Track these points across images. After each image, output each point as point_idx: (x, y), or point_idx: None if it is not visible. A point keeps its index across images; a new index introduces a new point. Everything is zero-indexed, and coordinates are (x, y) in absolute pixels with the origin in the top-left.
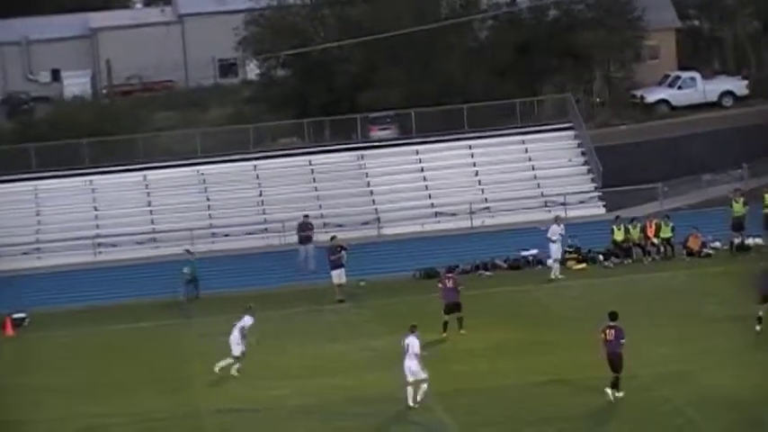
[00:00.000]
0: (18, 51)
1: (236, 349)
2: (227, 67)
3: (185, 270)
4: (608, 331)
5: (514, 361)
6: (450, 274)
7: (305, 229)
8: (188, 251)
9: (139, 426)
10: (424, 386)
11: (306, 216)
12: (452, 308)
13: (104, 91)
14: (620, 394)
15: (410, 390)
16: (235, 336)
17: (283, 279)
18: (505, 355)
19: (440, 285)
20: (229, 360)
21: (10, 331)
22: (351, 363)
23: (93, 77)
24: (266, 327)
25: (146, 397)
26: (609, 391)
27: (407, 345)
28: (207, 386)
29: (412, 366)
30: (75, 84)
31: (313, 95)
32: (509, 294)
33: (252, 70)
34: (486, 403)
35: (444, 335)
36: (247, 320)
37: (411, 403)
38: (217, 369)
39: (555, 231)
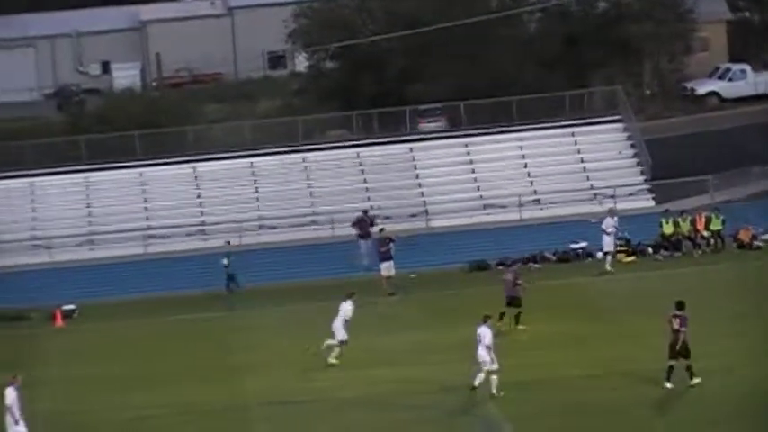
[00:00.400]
0: (69, 44)
1: (340, 334)
2: (277, 60)
3: (224, 261)
4: (674, 320)
5: (564, 353)
6: (510, 268)
7: (363, 226)
8: (228, 243)
9: (186, 417)
10: (494, 377)
11: (365, 212)
12: (510, 302)
13: (154, 83)
14: (697, 380)
15: (493, 378)
16: (338, 322)
17: (332, 272)
18: (555, 348)
19: (502, 279)
20: (331, 342)
21: (60, 323)
22: (400, 355)
23: (142, 70)
24: (314, 319)
25: (192, 388)
26: (667, 383)
27: (479, 335)
28: (254, 378)
29: (483, 356)
30: (125, 76)
31: (362, 88)
32: (558, 287)
33: (301, 63)
34: (535, 395)
35: (499, 324)
36: (348, 306)
37: (494, 391)
38: (324, 346)
39: (609, 224)
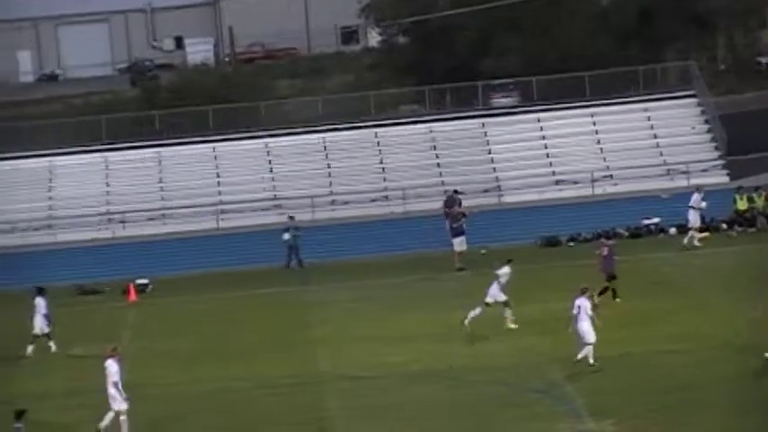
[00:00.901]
0: (143, 19)
1: (500, 297)
2: (349, 35)
3: (286, 236)
4: None
5: (637, 329)
6: (607, 242)
7: (451, 204)
8: (291, 218)
9: (261, 390)
10: (589, 348)
11: (455, 191)
12: (609, 277)
13: (227, 58)
14: None
15: (590, 349)
16: (494, 288)
17: (403, 247)
18: (628, 324)
19: (597, 253)
20: (477, 312)
21: (133, 297)
22: (471, 330)
23: (215, 45)
24: (388, 294)
25: (266, 362)
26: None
27: (578, 306)
28: (327, 352)
29: (584, 327)
30: (198, 51)
31: (434, 63)
32: (631, 263)
33: (373, 38)
34: (608, 371)
35: (618, 300)
36: (506, 270)
37: (591, 361)
38: (467, 321)
39: (696, 200)
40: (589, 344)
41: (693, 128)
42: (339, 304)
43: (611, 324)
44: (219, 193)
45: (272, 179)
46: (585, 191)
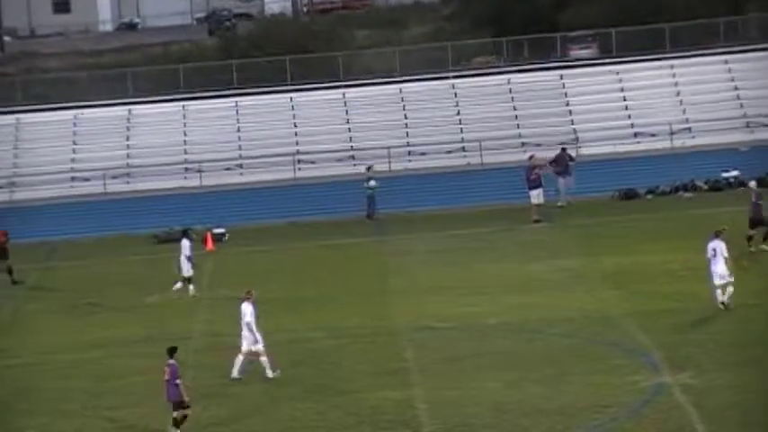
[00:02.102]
0: None
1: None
2: None
3: (371, 183)
4: None
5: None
6: (754, 188)
7: (561, 162)
8: (369, 168)
9: (337, 340)
10: (731, 289)
11: (563, 148)
12: (755, 223)
13: (304, 8)
14: None
15: (719, 292)
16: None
17: (480, 199)
18: (705, 277)
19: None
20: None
21: (210, 246)
22: (546, 282)
23: None
24: (463, 245)
25: (343, 311)
26: None
27: (714, 249)
28: (404, 303)
29: (719, 269)
30: (276, 1)
31: (512, 14)
32: (710, 216)
33: None
34: (684, 325)
35: (750, 249)
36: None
37: (722, 300)
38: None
39: None
40: (728, 282)
41: None
42: (415, 255)
43: (689, 277)
44: (296, 143)
45: (349, 130)
46: (664, 143)
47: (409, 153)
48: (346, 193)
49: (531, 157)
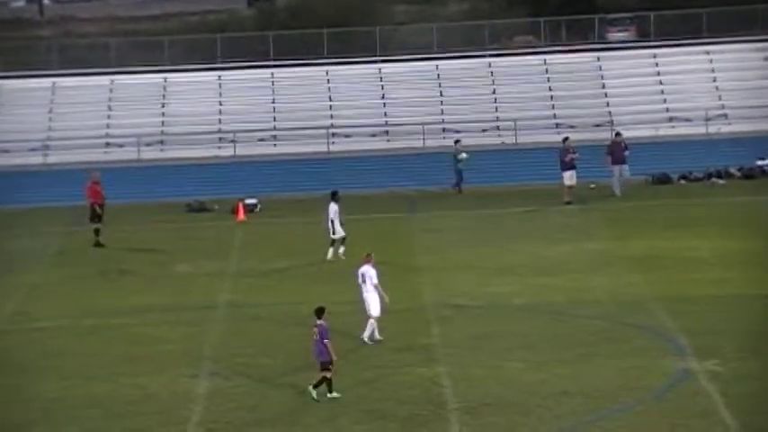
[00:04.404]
0: None
1: None
2: None
3: (463, 155)
4: None
5: (744, 271)
6: None
7: (615, 150)
8: (457, 142)
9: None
10: None
11: (617, 134)
12: None
13: None
14: None
15: None
16: None
17: (513, 178)
18: (735, 265)
19: None
20: None
21: (242, 216)
22: (575, 264)
23: None
24: (494, 224)
25: None
26: None
27: None
28: (432, 280)
29: None
30: None
31: None
32: (742, 204)
33: None
34: (711, 311)
35: None
36: None
37: None
38: None
39: None
40: None
41: None
42: (445, 233)
43: (718, 264)
44: (331, 116)
45: (384, 105)
46: (699, 129)
47: (443, 130)
48: (380, 167)
49: (565, 139)
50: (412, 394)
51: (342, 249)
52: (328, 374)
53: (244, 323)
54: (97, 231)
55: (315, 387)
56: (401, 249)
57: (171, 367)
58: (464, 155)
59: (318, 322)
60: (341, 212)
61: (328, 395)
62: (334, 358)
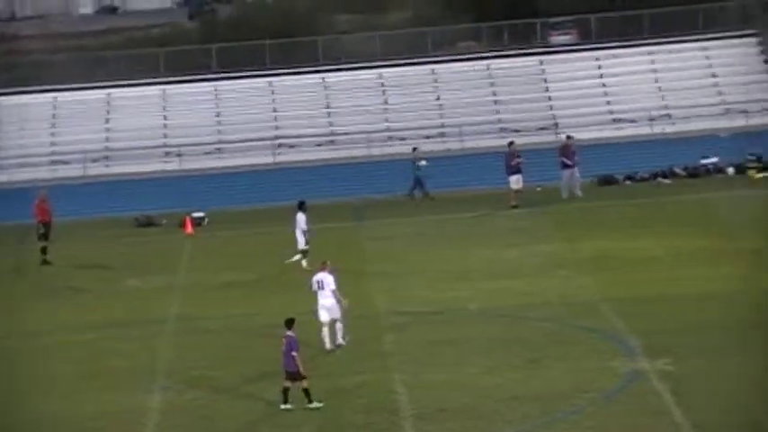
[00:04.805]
0: None
1: None
2: None
3: (423, 163)
4: None
5: (692, 269)
6: None
7: (566, 153)
8: (415, 149)
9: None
10: None
11: (569, 137)
12: None
13: None
14: None
15: None
16: None
17: (460, 183)
18: (683, 264)
19: None
20: None
21: (189, 230)
22: (525, 268)
23: None
24: (443, 230)
25: None
26: None
27: None
28: (385, 286)
29: None
30: None
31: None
32: (688, 202)
33: None
34: (661, 311)
35: None
36: None
37: None
38: None
39: None
40: None
41: (753, 67)
42: (395, 240)
43: (666, 264)
44: (276, 127)
45: (329, 114)
46: (643, 130)
47: (389, 138)
48: (326, 177)
49: (510, 144)
50: (367, 402)
51: (297, 257)
52: (305, 384)
53: (195, 336)
54: (44, 250)
55: (308, 399)
56: (351, 258)
57: (125, 383)
58: (423, 162)
59: (288, 333)
60: (308, 222)
61: (308, 405)
62: (301, 371)
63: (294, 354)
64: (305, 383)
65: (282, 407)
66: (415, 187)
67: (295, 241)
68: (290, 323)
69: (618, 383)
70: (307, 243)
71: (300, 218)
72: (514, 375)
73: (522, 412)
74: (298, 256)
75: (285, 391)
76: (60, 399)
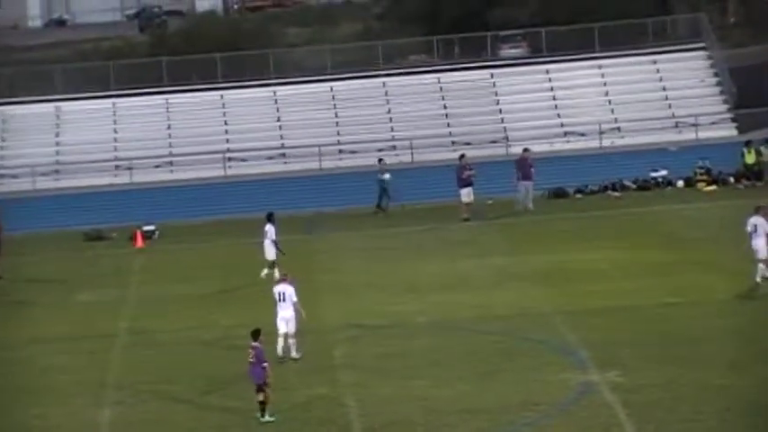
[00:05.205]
0: None
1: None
2: None
3: (387, 176)
4: None
5: (642, 281)
6: None
7: (522, 166)
8: (381, 161)
9: (267, 336)
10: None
11: (525, 150)
12: None
13: (236, 6)
14: None
15: (761, 266)
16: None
17: (411, 197)
18: (634, 276)
19: None
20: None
21: (140, 243)
22: (475, 280)
23: None
24: (394, 243)
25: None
26: None
27: (754, 225)
28: (335, 300)
29: (759, 244)
30: None
31: (443, 12)
32: (638, 215)
33: None
34: (612, 323)
35: None
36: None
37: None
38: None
39: None
40: (762, 260)
41: (702, 81)
42: (346, 253)
43: (617, 276)
44: (227, 141)
45: (280, 128)
46: (593, 143)
47: (340, 152)
48: (277, 190)
49: (461, 157)
50: (317, 416)
51: (266, 271)
52: (268, 392)
53: (147, 350)
54: None
55: (262, 412)
56: (301, 270)
57: (74, 397)
58: (387, 175)
59: (254, 344)
60: (277, 234)
61: (261, 419)
62: (269, 381)
63: (265, 364)
64: (262, 396)
65: (262, 419)
66: (381, 198)
67: (263, 252)
68: (256, 334)
69: (569, 395)
70: (278, 254)
71: (270, 229)
72: (466, 388)
73: (473, 425)
74: (266, 271)
75: (260, 404)
76: (4, 415)
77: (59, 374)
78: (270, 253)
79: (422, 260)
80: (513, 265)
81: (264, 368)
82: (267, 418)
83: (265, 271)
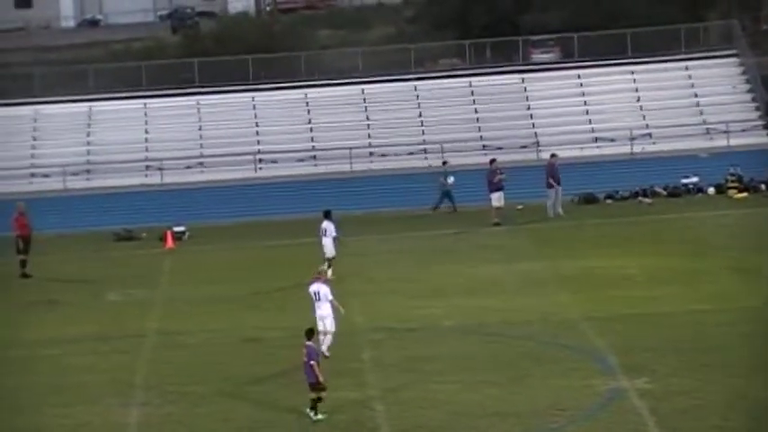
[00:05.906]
0: None
1: None
2: None
3: (449, 180)
4: None
5: (671, 288)
6: None
7: (552, 171)
8: (445, 163)
9: (296, 339)
10: None
11: (553, 155)
12: None
13: (268, 7)
14: None
15: None
16: None
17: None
18: (663, 282)
19: None
20: None
21: (171, 244)
22: (504, 285)
23: None
24: (423, 247)
25: (301, 311)
26: None
27: None
28: (362, 303)
29: None
30: None
31: (475, 16)
32: (668, 221)
33: None
34: (640, 329)
35: None
36: None
37: None
38: None
39: None
40: None
41: (734, 87)
42: (374, 256)
43: (646, 282)
44: (258, 142)
45: (311, 130)
46: (624, 149)
47: (371, 154)
48: (308, 192)
49: (492, 161)
50: (344, 419)
51: (328, 268)
52: (314, 395)
53: (174, 351)
54: (23, 263)
55: (311, 409)
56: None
57: (101, 397)
58: (451, 179)
59: (307, 343)
60: (337, 230)
61: (312, 416)
62: (321, 380)
63: (312, 363)
64: (315, 395)
65: (314, 417)
66: (441, 201)
67: (322, 250)
68: (309, 333)
69: (597, 401)
70: (333, 251)
71: (329, 225)
72: (493, 392)
73: (500, 430)
74: (330, 269)
75: (312, 402)
76: (35, 413)
77: (87, 374)
78: (330, 250)
79: (450, 264)
80: (542, 270)
81: (312, 366)
82: (318, 416)
83: (330, 270)
